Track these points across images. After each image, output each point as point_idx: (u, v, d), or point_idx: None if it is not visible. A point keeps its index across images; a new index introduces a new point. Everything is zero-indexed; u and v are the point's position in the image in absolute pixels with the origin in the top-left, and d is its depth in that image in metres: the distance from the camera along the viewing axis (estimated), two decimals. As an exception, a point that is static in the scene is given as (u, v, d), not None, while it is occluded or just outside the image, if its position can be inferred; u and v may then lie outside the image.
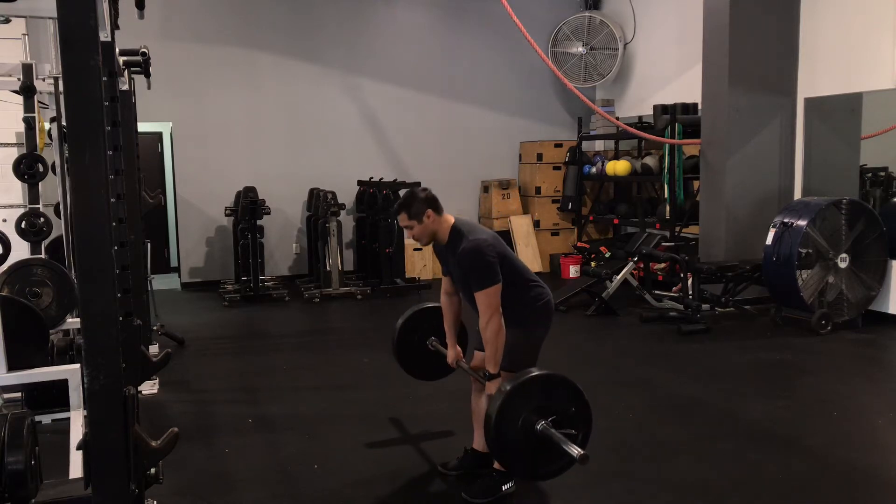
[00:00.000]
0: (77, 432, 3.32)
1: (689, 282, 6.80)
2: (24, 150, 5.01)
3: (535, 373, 2.92)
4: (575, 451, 2.68)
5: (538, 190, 9.90)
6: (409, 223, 3.34)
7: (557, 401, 2.86)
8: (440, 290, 3.65)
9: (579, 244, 9.62)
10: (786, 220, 6.44)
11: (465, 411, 3.72)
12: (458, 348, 3.64)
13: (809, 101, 7.26)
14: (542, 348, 3.47)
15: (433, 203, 3.33)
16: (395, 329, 3.94)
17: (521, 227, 9.78)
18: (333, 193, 8.33)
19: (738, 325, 6.77)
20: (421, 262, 9.30)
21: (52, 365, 4.06)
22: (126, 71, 4.78)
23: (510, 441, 2.83)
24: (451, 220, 3.38)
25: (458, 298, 3.59)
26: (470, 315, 3.51)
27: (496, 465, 3.42)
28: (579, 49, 9.77)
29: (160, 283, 8.01)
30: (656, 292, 7.38)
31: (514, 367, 3.30)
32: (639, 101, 9.61)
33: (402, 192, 8.43)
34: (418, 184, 8.83)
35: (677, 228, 8.05)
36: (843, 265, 6.37)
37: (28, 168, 4.99)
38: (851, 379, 5.25)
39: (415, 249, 9.22)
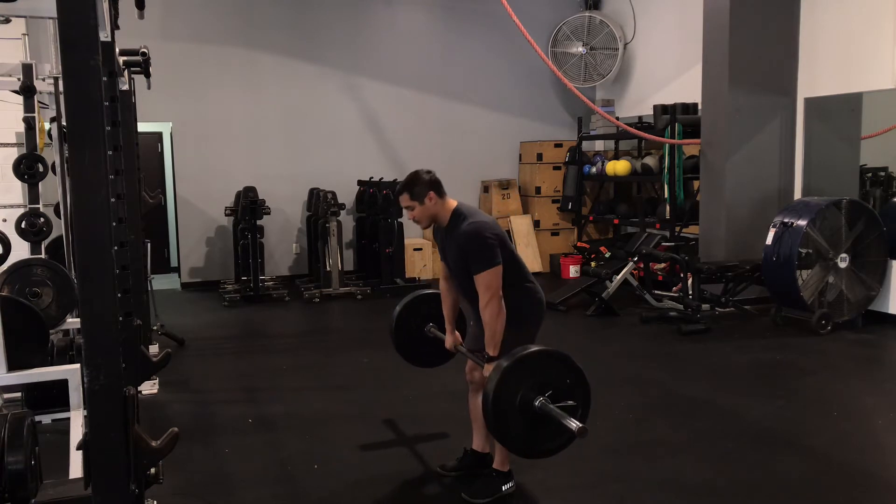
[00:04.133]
0: (77, 432, 3.32)
1: (689, 282, 6.80)
2: (24, 150, 5.01)
3: (532, 349, 2.87)
4: (573, 424, 2.63)
5: (538, 190, 9.90)
6: (410, 203, 3.28)
7: (554, 376, 2.80)
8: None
9: (579, 244, 9.62)
10: (786, 220, 6.44)
11: (465, 412, 3.72)
12: (457, 333, 3.60)
13: (809, 101, 7.26)
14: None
15: (436, 186, 3.29)
16: (393, 315, 3.90)
17: (521, 227, 9.78)
18: (333, 193, 8.33)
19: (738, 325, 6.77)
20: (421, 262, 9.30)
21: (52, 365, 4.06)
22: (126, 71, 4.77)
23: (509, 420, 2.77)
24: (454, 204, 3.33)
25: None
26: (465, 309, 3.51)
27: (496, 465, 3.42)
28: (579, 49, 9.77)
29: (160, 283, 8.02)
30: (656, 292, 7.37)
31: None
32: (639, 101, 9.61)
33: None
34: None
35: (677, 228, 8.05)
36: (843, 265, 6.37)
37: (28, 168, 4.98)
38: (851, 379, 5.25)
39: (415, 249, 9.22)
